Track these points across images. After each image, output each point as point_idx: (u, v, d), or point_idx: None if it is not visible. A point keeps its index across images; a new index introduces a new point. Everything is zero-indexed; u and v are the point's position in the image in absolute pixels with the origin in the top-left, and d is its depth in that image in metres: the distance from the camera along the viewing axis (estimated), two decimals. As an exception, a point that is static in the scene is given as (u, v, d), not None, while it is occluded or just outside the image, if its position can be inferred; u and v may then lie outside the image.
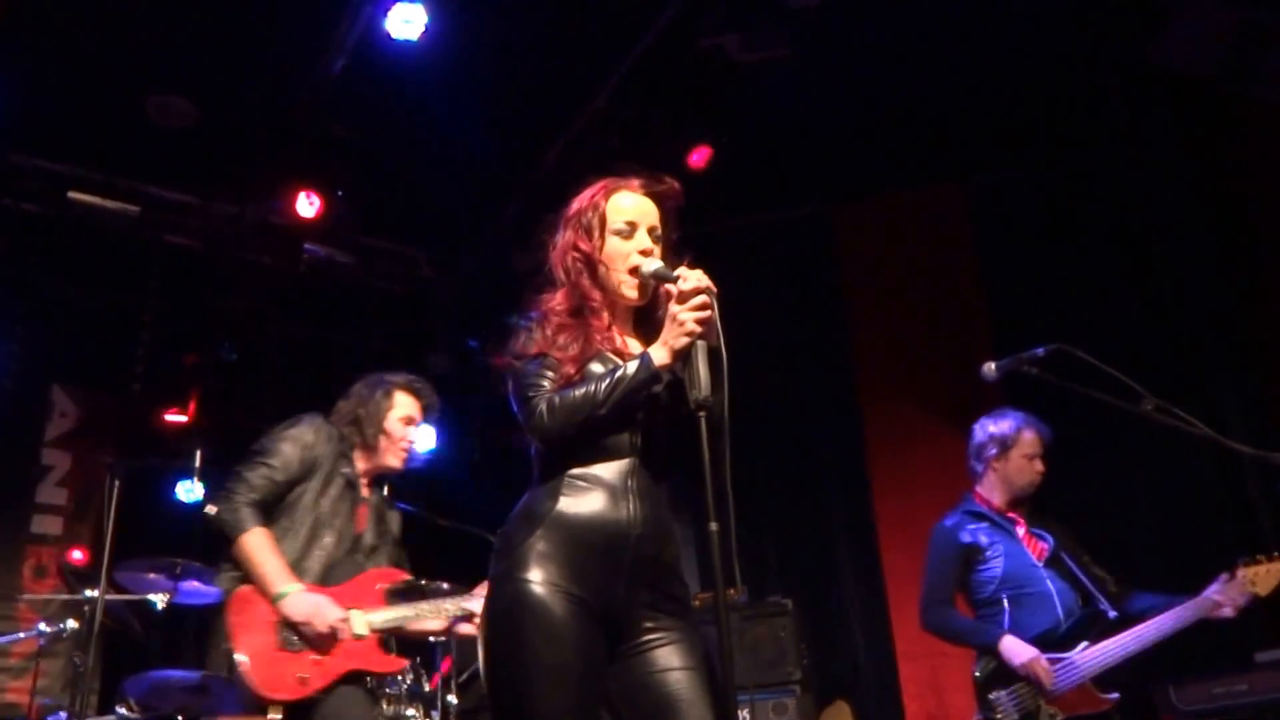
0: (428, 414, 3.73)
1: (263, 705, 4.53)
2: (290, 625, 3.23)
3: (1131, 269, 5.60)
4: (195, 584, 4.72)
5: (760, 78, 5.15)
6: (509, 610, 2.10)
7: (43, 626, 4.74)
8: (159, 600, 4.64)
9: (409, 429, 3.64)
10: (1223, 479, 4.98)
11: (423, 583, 3.67)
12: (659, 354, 2.15)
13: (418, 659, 4.60)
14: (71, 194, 6.05)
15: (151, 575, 4.60)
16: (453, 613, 3.45)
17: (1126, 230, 5.61)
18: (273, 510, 3.39)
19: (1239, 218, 5.31)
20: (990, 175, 6.08)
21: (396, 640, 4.21)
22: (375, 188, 6.05)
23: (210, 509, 3.42)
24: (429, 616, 3.44)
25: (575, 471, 2.19)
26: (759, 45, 4.83)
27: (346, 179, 5.73)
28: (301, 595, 3.22)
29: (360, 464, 3.60)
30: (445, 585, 4.61)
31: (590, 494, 2.17)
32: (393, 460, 3.63)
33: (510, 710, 2.09)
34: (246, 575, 3.26)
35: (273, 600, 3.21)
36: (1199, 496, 5.09)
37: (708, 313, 2.12)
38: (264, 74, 5.43)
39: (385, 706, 4.35)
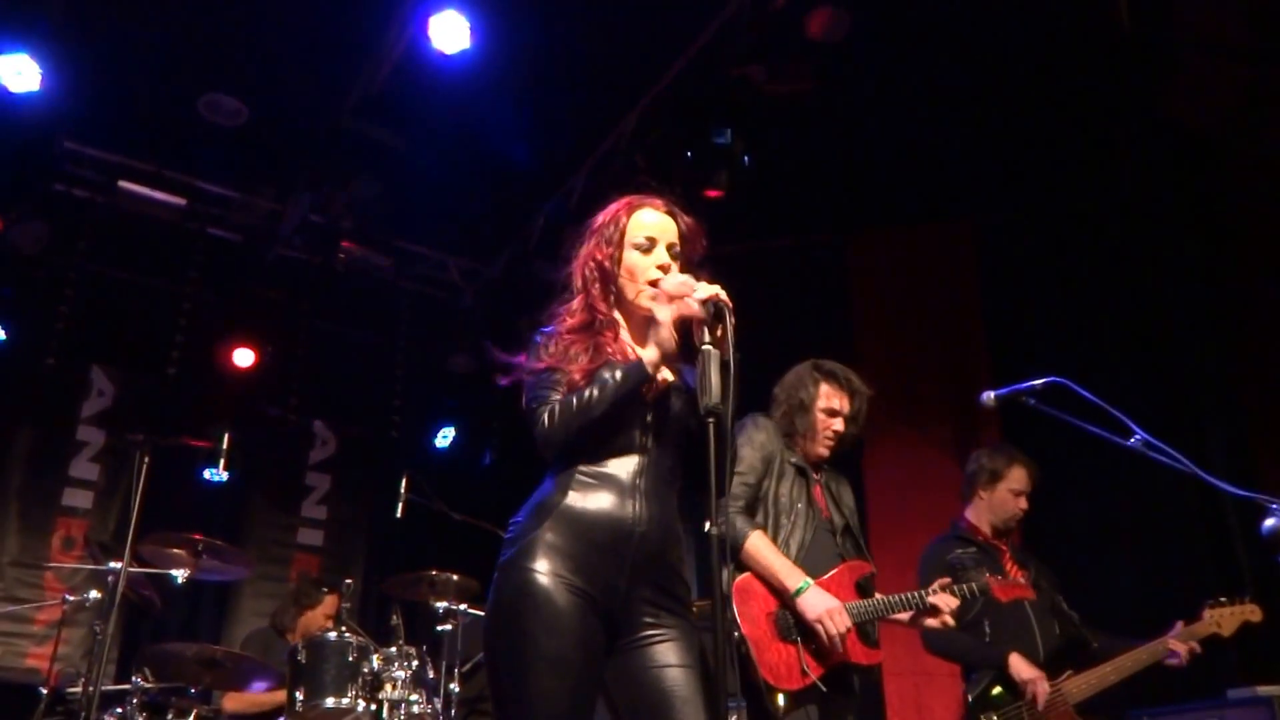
0: (855, 403, 3.56)
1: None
2: (793, 618, 3.19)
3: (1128, 312, 5.59)
4: (215, 562, 4.76)
5: (785, 108, 5.17)
6: (512, 598, 2.12)
7: (67, 596, 4.77)
8: (180, 575, 4.66)
9: (834, 420, 3.53)
10: (1205, 518, 4.96)
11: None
12: (648, 354, 2.19)
13: (424, 646, 4.62)
14: (122, 183, 6.12)
15: (174, 551, 4.63)
16: (915, 603, 3.32)
17: (1125, 274, 5.60)
18: (753, 510, 3.37)
19: (1233, 268, 5.31)
20: (998, 215, 6.09)
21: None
22: (412, 193, 6.09)
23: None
24: (897, 608, 3.33)
25: (585, 468, 2.21)
26: (785, 77, 4.85)
27: (385, 182, 5.77)
28: (816, 593, 3.17)
29: (799, 450, 3.53)
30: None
31: (598, 491, 2.19)
32: (820, 448, 3.54)
33: (508, 695, 2.09)
34: (757, 573, 3.22)
35: (791, 596, 3.18)
36: (1181, 533, 5.06)
37: (689, 307, 2.15)
38: (312, 79, 5.50)
39: (390, 691, 4.38)
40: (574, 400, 2.17)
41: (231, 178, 6.41)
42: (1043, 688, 3.69)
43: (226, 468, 5.58)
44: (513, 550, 2.18)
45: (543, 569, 2.10)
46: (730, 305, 2.14)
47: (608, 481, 2.19)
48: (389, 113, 5.47)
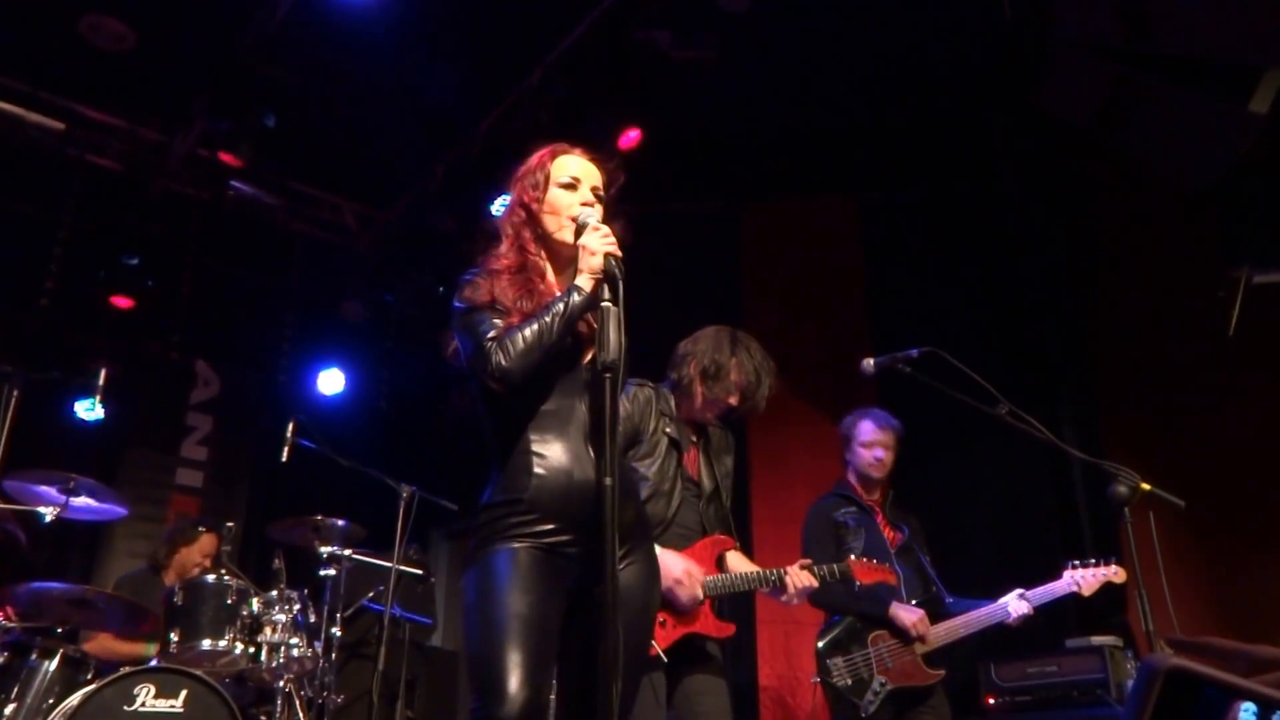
0: (751, 379, 3.31)
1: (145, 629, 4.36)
2: None
3: (994, 288, 5.79)
4: (87, 500, 4.49)
5: (687, 75, 5.13)
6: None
7: (-77, 531, 4.44)
8: (48, 513, 4.37)
9: (738, 394, 3.32)
10: (1054, 483, 5.22)
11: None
12: (583, 281, 2.17)
13: (305, 591, 4.49)
14: (-7, 101, 5.66)
15: (43, 488, 4.30)
16: (773, 580, 3.22)
17: (993, 254, 5.80)
18: None
19: (1089, 253, 5.56)
20: (882, 194, 6.20)
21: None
22: (308, 134, 5.82)
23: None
24: (756, 584, 3.23)
25: (536, 436, 2.20)
26: (688, 44, 4.80)
27: (281, 122, 5.49)
28: (670, 556, 3.06)
29: (683, 413, 3.35)
30: None
31: (558, 459, 2.19)
32: (712, 414, 3.36)
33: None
34: None
35: None
36: (1033, 497, 5.32)
37: (613, 244, 2.16)
38: (206, 9, 5.15)
39: (269, 634, 4.24)
40: (525, 332, 2.13)
41: (115, 105, 5.95)
42: (926, 626, 3.79)
43: (103, 402, 5.27)
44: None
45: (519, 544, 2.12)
46: (620, 259, 2.14)
47: (564, 447, 2.20)
48: (288, 50, 5.18)
